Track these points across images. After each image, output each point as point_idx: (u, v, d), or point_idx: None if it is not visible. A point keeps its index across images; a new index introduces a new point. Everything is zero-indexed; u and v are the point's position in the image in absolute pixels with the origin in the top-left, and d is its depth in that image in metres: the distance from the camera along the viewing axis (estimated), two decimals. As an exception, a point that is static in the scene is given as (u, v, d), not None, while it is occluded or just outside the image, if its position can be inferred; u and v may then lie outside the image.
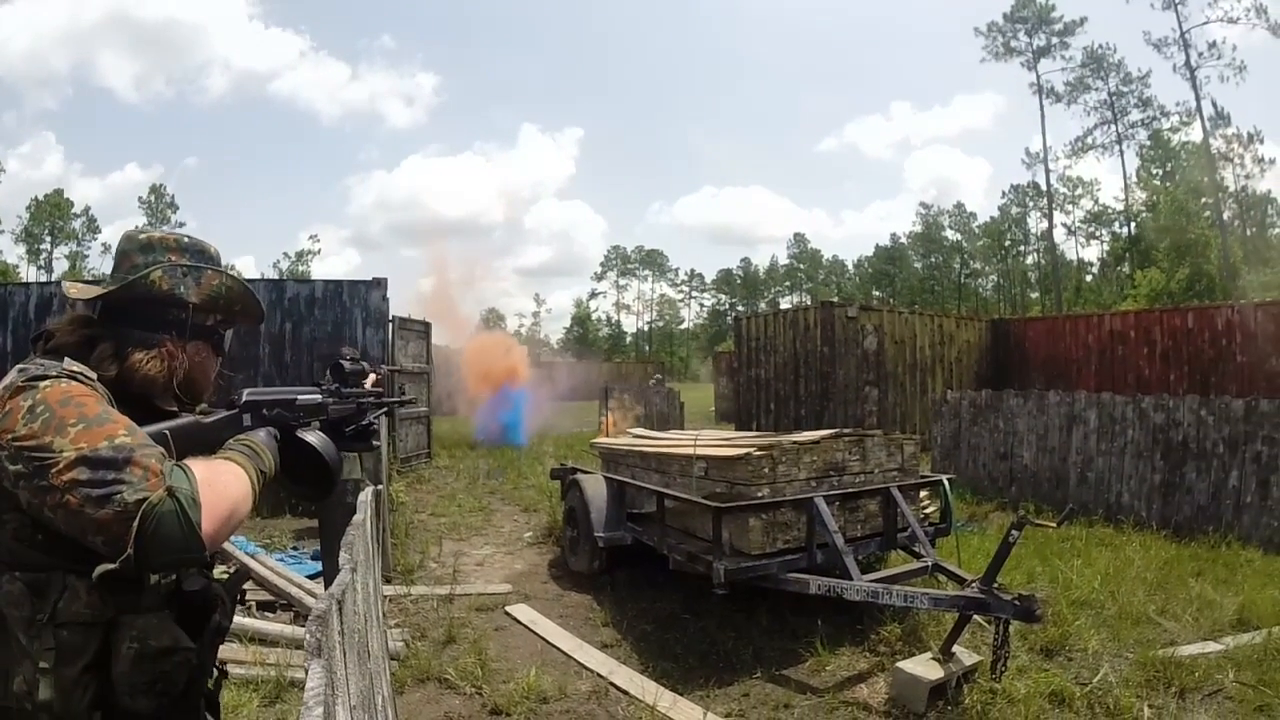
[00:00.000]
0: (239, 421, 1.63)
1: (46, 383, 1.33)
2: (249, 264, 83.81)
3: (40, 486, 1.22)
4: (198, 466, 1.34)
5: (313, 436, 1.69)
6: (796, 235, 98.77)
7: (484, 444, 17.63)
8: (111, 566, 1.20)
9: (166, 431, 1.43)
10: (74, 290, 1.60)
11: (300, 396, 1.76)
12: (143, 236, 1.63)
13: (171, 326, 1.58)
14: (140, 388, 1.54)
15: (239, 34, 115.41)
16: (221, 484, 1.37)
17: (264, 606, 5.57)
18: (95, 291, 1.56)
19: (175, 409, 1.61)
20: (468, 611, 5.84)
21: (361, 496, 3.22)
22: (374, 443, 1.96)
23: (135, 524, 1.19)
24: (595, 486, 6.69)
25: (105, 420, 1.30)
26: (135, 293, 1.54)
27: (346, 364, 1.93)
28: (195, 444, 1.48)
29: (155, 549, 1.20)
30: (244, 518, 1.43)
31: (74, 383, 1.37)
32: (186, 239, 1.66)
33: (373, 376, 2.00)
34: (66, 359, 1.43)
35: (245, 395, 1.67)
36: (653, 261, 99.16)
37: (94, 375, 1.43)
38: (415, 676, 4.62)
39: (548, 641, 5.27)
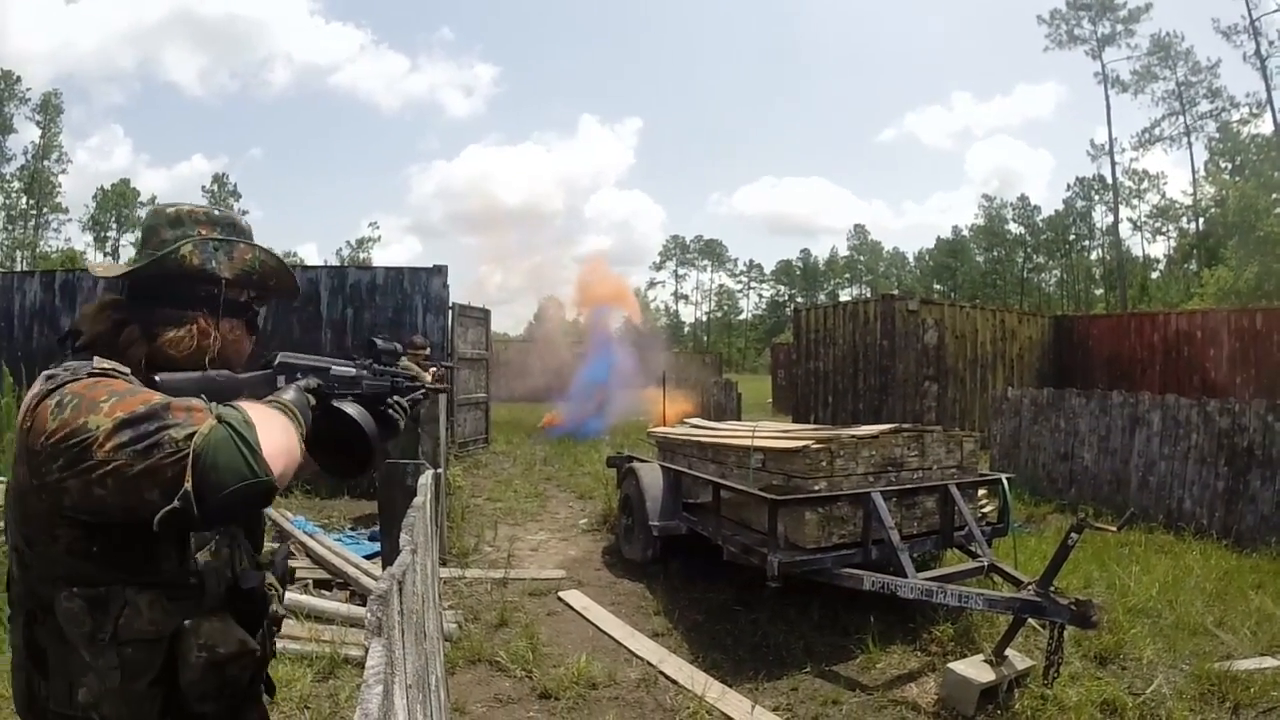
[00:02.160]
0: (273, 382, 1.53)
1: (73, 383, 1.25)
2: (311, 251, 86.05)
3: (85, 467, 1.14)
4: (244, 405, 1.25)
5: (350, 407, 1.61)
6: (856, 226, 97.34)
7: (557, 436, 16.98)
8: (173, 507, 1.10)
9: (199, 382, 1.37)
10: (99, 270, 1.50)
11: (335, 366, 1.68)
12: (171, 210, 1.52)
13: (204, 303, 1.47)
14: (171, 368, 1.43)
15: (300, 29, 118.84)
16: (275, 423, 1.28)
17: (321, 584, 5.71)
18: (121, 269, 1.47)
19: None
20: (521, 596, 5.92)
21: (422, 480, 3.29)
22: (399, 424, 1.84)
23: (189, 458, 1.10)
24: (651, 475, 6.71)
25: (137, 391, 1.23)
26: (165, 269, 1.43)
27: (380, 341, 1.87)
28: (226, 397, 1.34)
29: (216, 479, 1.11)
30: (299, 463, 1.33)
31: (104, 378, 1.28)
32: (217, 212, 1.55)
33: (433, 370, 2.01)
34: (96, 358, 1.33)
35: (280, 357, 1.58)
36: (711, 251, 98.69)
37: (127, 370, 1.34)
38: (467, 658, 4.70)
39: (599, 628, 5.32)
